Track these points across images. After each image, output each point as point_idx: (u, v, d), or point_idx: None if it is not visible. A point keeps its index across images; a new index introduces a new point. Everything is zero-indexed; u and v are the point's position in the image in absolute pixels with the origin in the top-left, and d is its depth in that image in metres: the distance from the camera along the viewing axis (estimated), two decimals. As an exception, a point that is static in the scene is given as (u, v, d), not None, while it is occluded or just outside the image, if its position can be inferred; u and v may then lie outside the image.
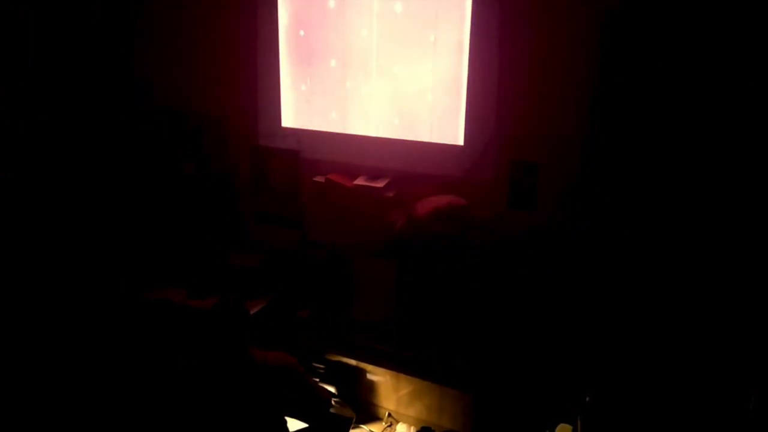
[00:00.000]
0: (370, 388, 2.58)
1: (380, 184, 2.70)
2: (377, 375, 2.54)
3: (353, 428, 2.45)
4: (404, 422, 2.53)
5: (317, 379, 2.48)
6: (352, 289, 2.72)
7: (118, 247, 3.12)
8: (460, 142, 2.66)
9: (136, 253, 3.10)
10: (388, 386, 2.54)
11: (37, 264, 2.97)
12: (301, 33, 2.88)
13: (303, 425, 2.23)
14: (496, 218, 2.55)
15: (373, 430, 2.50)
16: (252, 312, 2.66)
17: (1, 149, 2.93)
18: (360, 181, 2.73)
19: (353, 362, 2.56)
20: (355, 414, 2.48)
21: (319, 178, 2.82)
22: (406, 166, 2.75)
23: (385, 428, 2.52)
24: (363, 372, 2.56)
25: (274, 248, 3.01)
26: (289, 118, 3.02)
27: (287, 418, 2.17)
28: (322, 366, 2.58)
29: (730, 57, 2.06)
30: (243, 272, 2.90)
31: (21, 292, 2.86)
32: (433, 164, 2.71)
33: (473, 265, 2.54)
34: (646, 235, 2.28)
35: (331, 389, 2.48)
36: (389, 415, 2.56)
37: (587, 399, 2.00)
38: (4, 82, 2.91)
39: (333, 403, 2.35)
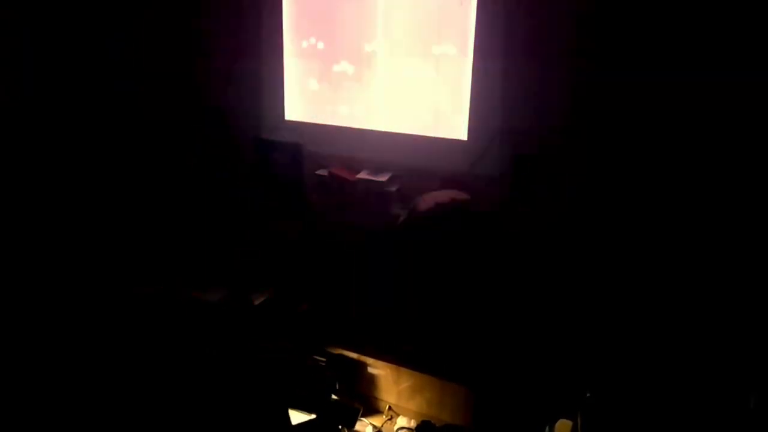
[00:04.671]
0: (371, 381, 2.59)
1: (383, 178, 2.69)
2: (378, 368, 2.56)
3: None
4: (405, 415, 2.54)
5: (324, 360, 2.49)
6: (353, 282, 2.72)
7: (119, 241, 3.12)
8: (464, 136, 2.66)
9: (137, 247, 3.10)
10: (388, 380, 2.55)
11: (39, 260, 2.97)
12: (305, 26, 2.87)
13: (309, 417, 2.24)
14: (499, 212, 2.54)
15: (373, 423, 2.52)
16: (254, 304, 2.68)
17: (2, 145, 2.93)
18: (363, 175, 2.73)
19: (354, 355, 2.57)
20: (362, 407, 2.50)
21: (321, 172, 2.82)
22: (409, 160, 2.75)
23: (385, 421, 2.54)
24: (364, 365, 2.58)
25: (275, 241, 3.01)
26: (292, 112, 3.01)
27: (293, 411, 2.19)
28: (323, 359, 2.59)
29: (730, 53, 2.05)
30: (244, 265, 2.90)
31: (23, 287, 2.88)
32: (436, 159, 2.70)
33: (475, 260, 2.55)
34: (648, 233, 2.28)
35: (333, 382, 2.50)
36: (390, 408, 2.57)
37: (587, 395, 2.01)
38: (4, 78, 2.92)
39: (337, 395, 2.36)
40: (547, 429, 2.12)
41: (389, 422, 2.54)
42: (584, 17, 2.29)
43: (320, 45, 2.86)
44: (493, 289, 2.54)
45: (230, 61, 3.03)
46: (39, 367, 2.62)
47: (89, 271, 3.02)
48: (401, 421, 2.52)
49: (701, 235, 2.19)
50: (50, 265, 3.00)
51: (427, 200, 2.54)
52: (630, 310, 2.28)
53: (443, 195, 2.55)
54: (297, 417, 2.35)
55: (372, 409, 2.60)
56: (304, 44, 2.90)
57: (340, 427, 2.41)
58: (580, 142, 2.37)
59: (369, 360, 2.55)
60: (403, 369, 2.50)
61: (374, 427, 2.50)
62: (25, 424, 2.37)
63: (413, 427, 2.47)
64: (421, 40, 2.65)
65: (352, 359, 2.58)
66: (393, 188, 2.69)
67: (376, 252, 2.66)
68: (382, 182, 2.67)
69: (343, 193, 2.75)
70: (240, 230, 3.11)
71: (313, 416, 2.34)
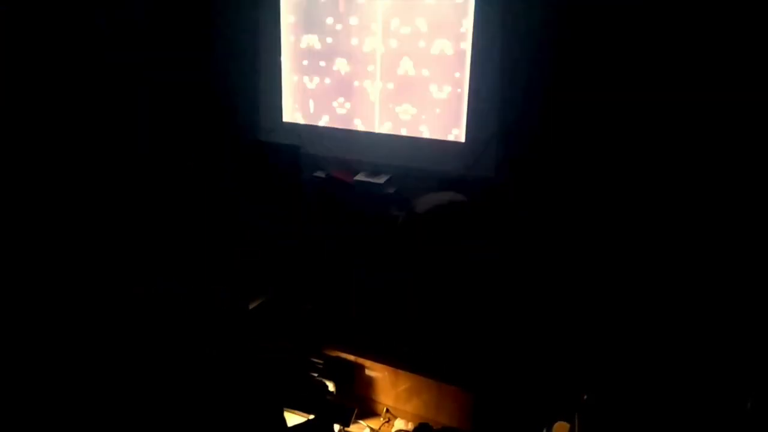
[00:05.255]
0: (369, 383, 2.58)
1: (381, 180, 2.70)
2: (375, 371, 2.55)
3: (352, 423, 2.46)
4: (402, 418, 2.54)
5: (315, 374, 2.49)
6: (351, 284, 2.72)
7: (117, 240, 3.12)
8: (462, 139, 2.66)
9: (135, 247, 3.10)
10: (386, 382, 2.55)
11: (37, 260, 2.97)
12: (305, 27, 2.88)
13: (305, 417, 2.24)
14: (497, 214, 2.55)
15: (371, 425, 2.51)
16: (250, 307, 2.67)
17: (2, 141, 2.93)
18: (361, 177, 2.73)
19: (352, 358, 2.57)
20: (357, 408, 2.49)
21: (319, 174, 2.82)
22: (407, 162, 2.75)
23: (383, 424, 2.53)
24: (361, 367, 2.57)
25: (273, 243, 3.01)
26: (290, 114, 3.02)
27: (289, 412, 2.18)
28: (320, 361, 2.59)
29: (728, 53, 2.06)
30: (242, 267, 2.90)
31: (20, 285, 2.87)
32: (434, 161, 2.71)
33: (473, 262, 2.54)
34: (647, 235, 2.28)
35: (330, 384, 2.49)
36: (387, 410, 2.57)
37: (585, 397, 2.01)
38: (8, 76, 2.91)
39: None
40: (544, 431, 2.12)
41: (387, 425, 2.53)
42: (584, 20, 2.30)
43: (318, 46, 2.86)
44: (491, 291, 2.53)
45: (228, 63, 3.04)
46: (37, 367, 2.61)
47: (88, 271, 3.02)
48: (399, 424, 2.51)
49: (699, 237, 2.19)
50: (49, 264, 2.99)
51: (425, 202, 2.54)
52: (627, 313, 2.28)
53: (441, 197, 2.55)
54: (292, 418, 2.34)
55: (370, 412, 2.59)
56: (303, 45, 2.90)
57: (336, 429, 2.40)
58: (578, 144, 2.38)
59: (367, 362, 2.55)
60: (401, 371, 2.49)
61: (372, 429, 2.50)
62: (25, 424, 2.36)
63: (411, 430, 2.46)
64: (420, 43, 2.66)
65: (349, 361, 2.58)
66: (391, 190, 2.70)
67: (374, 253, 2.66)
68: (380, 184, 2.68)
69: (341, 194, 2.75)
70: (238, 231, 3.12)
71: (309, 417, 2.34)
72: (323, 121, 2.94)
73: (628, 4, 2.19)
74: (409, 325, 2.60)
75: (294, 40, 2.91)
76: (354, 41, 2.78)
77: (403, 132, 2.78)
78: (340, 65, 2.84)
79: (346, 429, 2.44)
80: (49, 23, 3.02)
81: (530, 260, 2.50)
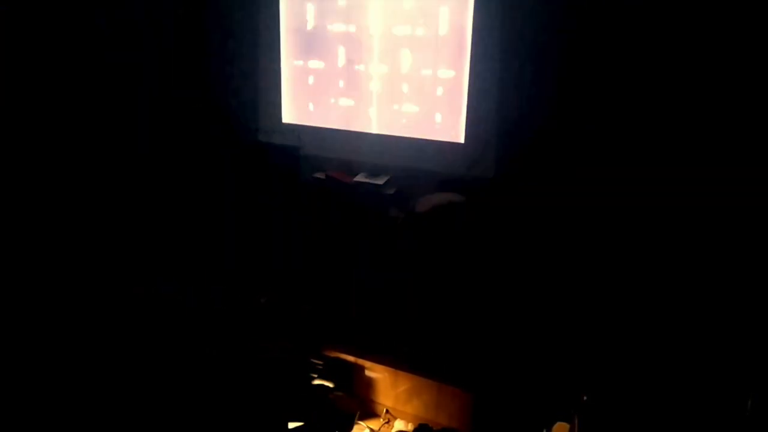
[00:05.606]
0: (369, 384, 2.58)
1: (380, 181, 2.70)
2: (376, 371, 2.55)
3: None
4: (402, 419, 2.54)
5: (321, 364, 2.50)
6: (351, 284, 2.72)
7: (117, 241, 3.12)
8: (461, 139, 2.66)
9: (135, 247, 3.10)
10: (386, 383, 2.55)
11: (38, 260, 2.96)
12: (304, 28, 2.88)
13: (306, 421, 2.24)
14: (496, 214, 2.55)
15: (371, 426, 2.51)
16: (250, 307, 2.67)
17: (3, 142, 2.92)
18: (360, 178, 2.73)
19: (352, 359, 2.57)
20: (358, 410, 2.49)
21: (319, 175, 2.82)
22: (407, 163, 2.75)
23: (382, 425, 2.53)
24: (361, 368, 2.57)
25: (273, 244, 3.01)
26: (289, 115, 3.02)
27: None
28: (320, 362, 2.58)
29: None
30: (243, 268, 2.90)
31: (20, 285, 2.86)
32: (433, 161, 2.71)
33: (472, 262, 2.55)
34: (647, 235, 2.28)
35: (330, 385, 2.49)
36: (387, 411, 2.57)
37: (584, 398, 2.01)
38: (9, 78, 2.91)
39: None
40: (544, 431, 2.12)
41: (386, 426, 2.53)
42: (587, 20, 2.31)
43: (318, 47, 2.86)
44: (490, 292, 2.53)
45: (228, 64, 3.04)
46: (38, 366, 2.61)
47: (89, 271, 3.01)
48: (399, 425, 2.51)
49: (698, 238, 2.20)
50: (50, 265, 2.98)
51: (425, 203, 2.55)
52: (626, 313, 2.29)
53: (440, 198, 2.55)
54: (293, 421, 2.34)
55: (369, 413, 2.59)
56: (303, 46, 2.90)
57: None
58: (576, 144, 2.38)
59: (367, 363, 2.55)
60: (400, 372, 2.49)
61: (372, 430, 2.50)
62: (25, 424, 2.36)
63: (411, 431, 2.46)
64: (420, 44, 2.66)
65: (349, 362, 2.58)
66: (391, 191, 2.70)
67: (374, 254, 2.66)
68: (380, 185, 2.68)
69: (341, 195, 2.75)
70: (237, 232, 3.11)
71: (310, 421, 2.33)
72: (323, 122, 2.94)
73: (630, 4, 2.19)
74: (409, 325, 2.60)
75: (294, 41, 2.91)
76: (354, 43, 2.78)
77: (403, 133, 2.78)
78: (340, 67, 2.84)
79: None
80: (49, 23, 3.02)
81: (529, 261, 2.50)
